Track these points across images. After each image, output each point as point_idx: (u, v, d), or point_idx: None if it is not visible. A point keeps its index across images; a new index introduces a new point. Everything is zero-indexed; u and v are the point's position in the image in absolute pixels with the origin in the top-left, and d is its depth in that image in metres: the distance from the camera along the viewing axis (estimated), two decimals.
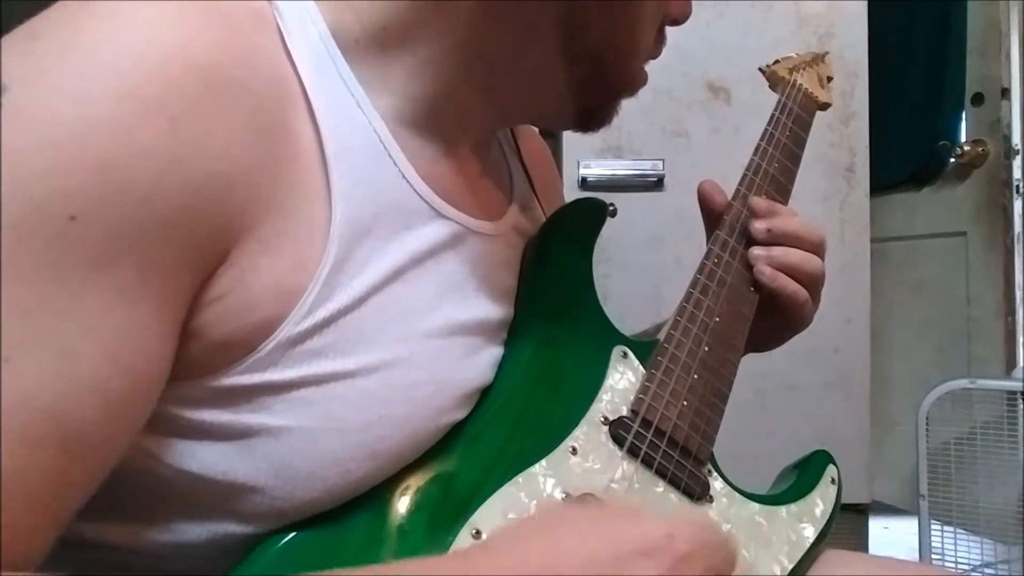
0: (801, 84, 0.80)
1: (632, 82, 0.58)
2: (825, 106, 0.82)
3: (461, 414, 0.51)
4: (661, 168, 1.67)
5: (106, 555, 0.46)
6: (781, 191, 0.73)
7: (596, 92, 0.57)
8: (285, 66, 0.44)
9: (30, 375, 0.35)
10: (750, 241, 0.67)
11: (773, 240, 0.67)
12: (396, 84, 0.50)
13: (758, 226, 0.67)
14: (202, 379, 0.42)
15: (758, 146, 0.74)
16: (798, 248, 0.67)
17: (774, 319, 0.69)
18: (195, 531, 0.45)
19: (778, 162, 0.73)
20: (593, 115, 0.59)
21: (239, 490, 0.43)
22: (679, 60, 1.65)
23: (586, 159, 1.66)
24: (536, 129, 0.77)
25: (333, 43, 0.48)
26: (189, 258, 0.39)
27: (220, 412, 0.42)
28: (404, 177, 0.49)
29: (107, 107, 0.36)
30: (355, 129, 0.47)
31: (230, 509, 0.44)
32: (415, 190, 0.50)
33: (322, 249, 0.43)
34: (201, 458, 0.43)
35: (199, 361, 0.41)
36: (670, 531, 0.38)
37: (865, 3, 1.70)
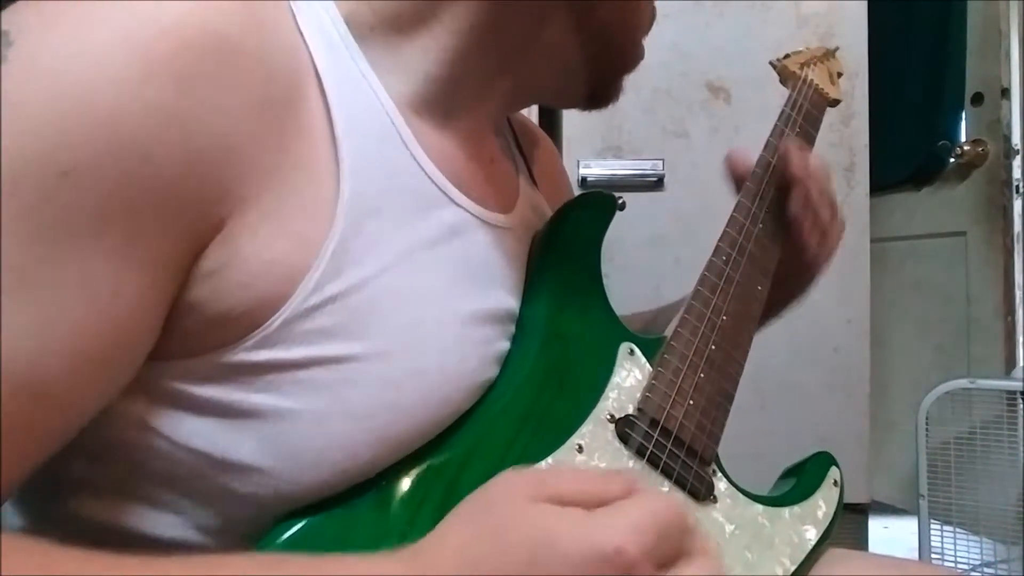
0: (812, 79, 0.79)
1: (635, 56, 0.61)
2: (835, 102, 0.82)
3: (466, 405, 0.50)
4: (661, 168, 1.66)
5: (111, 538, 0.46)
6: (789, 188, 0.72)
7: (607, 68, 0.59)
8: (299, 45, 0.45)
9: (7, 327, 0.35)
10: (759, 241, 0.67)
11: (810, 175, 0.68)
12: (412, 65, 0.51)
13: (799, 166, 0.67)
14: (210, 355, 0.42)
15: (768, 142, 0.73)
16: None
17: (786, 288, 0.72)
18: (202, 515, 0.45)
19: None
20: (602, 92, 0.61)
21: (245, 471, 0.43)
22: (679, 60, 1.65)
23: (586, 159, 1.66)
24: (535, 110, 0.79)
25: (346, 28, 0.49)
26: (182, 225, 0.39)
27: (228, 389, 0.42)
28: (415, 160, 0.50)
29: (112, 65, 0.36)
30: (366, 110, 0.48)
31: (236, 491, 0.44)
32: (427, 174, 0.50)
33: (328, 226, 0.43)
34: (208, 436, 0.43)
35: (204, 336, 0.41)
36: (624, 538, 0.36)
37: (865, 3, 1.70)
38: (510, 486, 0.40)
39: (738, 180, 0.70)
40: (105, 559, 0.35)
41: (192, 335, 0.41)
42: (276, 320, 0.42)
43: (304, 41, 0.45)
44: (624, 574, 0.35)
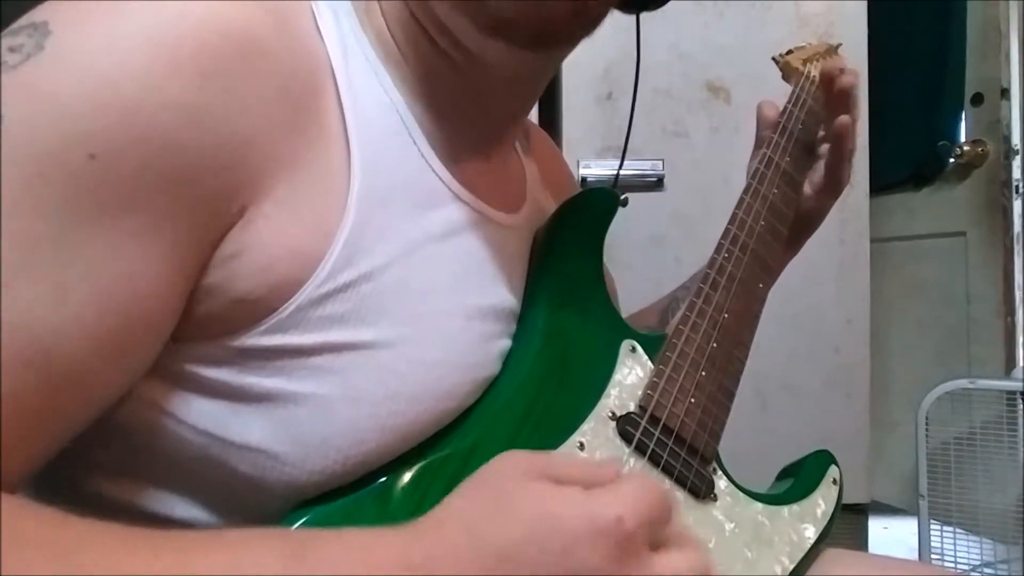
0: (814, 76, 0.79)
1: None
2: None
3: (469, 400, 0.51)
4: (661, 168, 1.66)
5: (123, 517, 0.46)
6: (792, 184, 0.72)
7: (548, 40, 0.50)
8: (318, 44, 0.47)
9: (24, 303, 0.36)
10: (761, 236, 0.67)
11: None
12: (413, 61, 0.52)
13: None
14: (224, 339, 0.43)
15: (770, 138, 0.73)
16: None
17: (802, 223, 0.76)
18: (211, 497, 0.46)
19: (790, 155, 0.73)
20: (525, 24, 0.48)
21: (254, 453, 0.44)
22: (679, 60, 1.65)
23: (586, 159, 1.66)
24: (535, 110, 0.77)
25: (360, 27, 0.50)
26: (202, 212, 0.40)
27: (239, 373, 0.43)
28: (423, 157, 0.51)
29: (141, 59, 0.38)
30: (376, 107, 0.49)
31: (245, 474, 0.45)
32: (434, 171, 0.51)
33: (340, 215, 0.45)
34: (218, 418, 0.44)
35: (219, 320, 0.42)
36: (619, 513, 0.37)
37: (865, 3, 1.69)
38: (509, 465, 0.41)
39: (766, 128, 0.75)
40: (115, 530, 0.36)
41: (207, 319, 0.42)
42: (290, 306, 0.43)
43: (322, 39, 0.47)
44: (622, 545, 0.37)
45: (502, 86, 0.55)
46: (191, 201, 0.40)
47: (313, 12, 0.48)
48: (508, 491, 0.39)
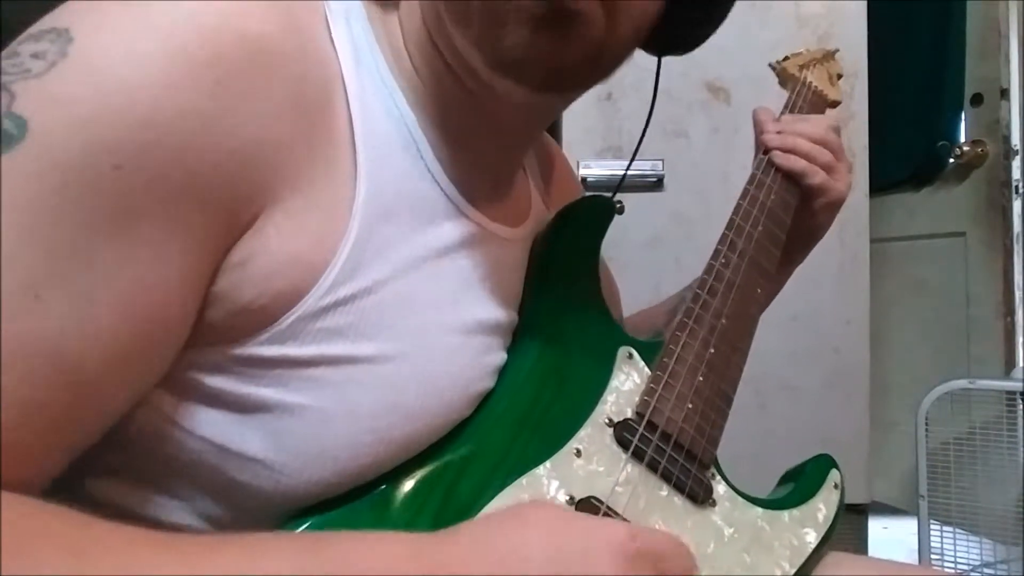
0: (811, 81, 0.79)
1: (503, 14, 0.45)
2: (835, 104, 0.82)
3: (465, 413, 0.51)
4: (661, 168, 1.66)
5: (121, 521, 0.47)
6: (790, 190, 0.72)
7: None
8: (329, 49, 0.47)
9: (51, 312, 0.36)
10: (759, 242, 0.67)
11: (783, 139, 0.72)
12: (424, 75, 0.51)
13: (769, 130, 0.73)
14: (225, 346, 0.43)
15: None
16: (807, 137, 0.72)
17: (799, 227, 0.74)
18: (210, 505, 0.46)
19: None
20: (527, 67, 0.47)
21: (251, 463, 0.44)
22: (679, 60, 1.63)
23: (586, 159, 1.66)
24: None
25: (372, 37, 0.50)
26: (219, 219, 0.40)
27: (238, 381, 0.43)
28: (429, 171, 0.51)
29: (157, 66, 0.38)
30: (386, 118, 0.49)
31: (242, 483, 0.45)
32: (439, 186, 0.51)
33: (345, 226, 0.45)
34: (218, 426, 0.44)
35: (222, 327, 0.42)
36: (632, 531, 0.41)
37: (865, 3, 1.69)
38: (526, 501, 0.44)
39: (763, 133, 0.75)
40: (132, 530, 0.36)
41: (211, 326, 0.42)
42: (290, 316, 0.43)
43: (334, 44, 0.47)
44: (632, 561, 0.39)
45: (514, 116, 0.55)
46: (209, 207, 0.40)
47: (325, 14, 0.48)
48: (523, 510, 0.41)
